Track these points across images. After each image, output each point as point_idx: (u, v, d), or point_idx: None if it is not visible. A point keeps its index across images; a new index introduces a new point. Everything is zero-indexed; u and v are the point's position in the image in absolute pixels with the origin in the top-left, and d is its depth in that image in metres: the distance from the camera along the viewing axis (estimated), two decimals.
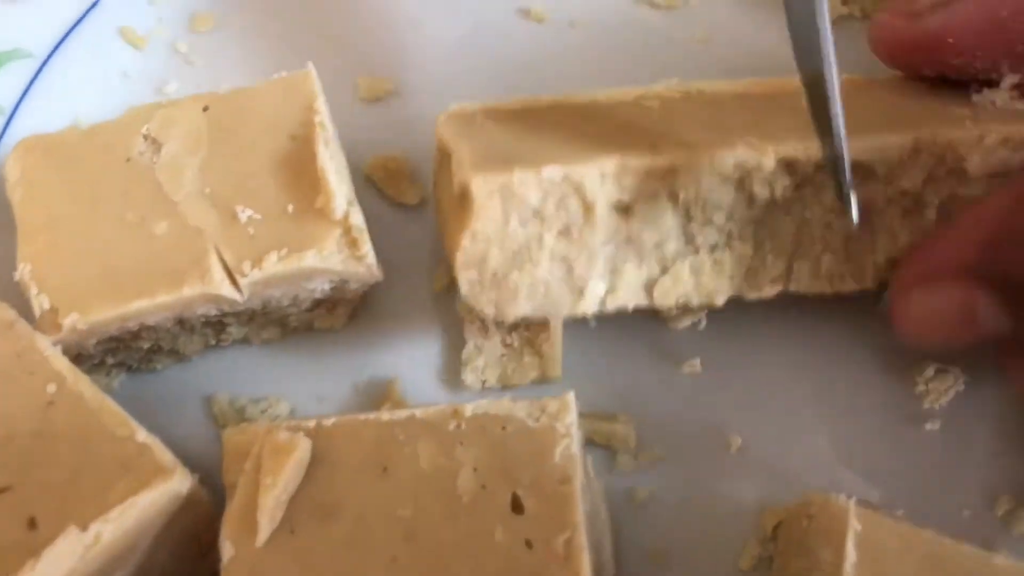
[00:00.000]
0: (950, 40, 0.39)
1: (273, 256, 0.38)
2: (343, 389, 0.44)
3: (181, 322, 0.40)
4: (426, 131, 0.42)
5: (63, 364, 0.37)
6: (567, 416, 0.37)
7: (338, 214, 0.39)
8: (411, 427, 0.37)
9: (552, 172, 0.36)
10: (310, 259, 0.38)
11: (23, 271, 0.39)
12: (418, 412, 0.37)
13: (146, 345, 0.41)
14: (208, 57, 0.50)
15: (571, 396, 0.37)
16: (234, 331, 0.43)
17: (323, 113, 0.41)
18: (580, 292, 0.39)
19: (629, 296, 0.40)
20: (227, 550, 0.35)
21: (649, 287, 0.40)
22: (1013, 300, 0.36)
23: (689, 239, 0.39)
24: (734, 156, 0.37)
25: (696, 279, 0.40)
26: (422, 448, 0.37)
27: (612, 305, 0.39)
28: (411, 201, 0.46)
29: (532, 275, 0.38)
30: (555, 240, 0.38)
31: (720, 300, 0.40)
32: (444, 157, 0.40)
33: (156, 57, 0.49)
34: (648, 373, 0.44)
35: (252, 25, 0.50)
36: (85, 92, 0.48)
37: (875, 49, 0.42)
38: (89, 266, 0.39)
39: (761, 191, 0.38)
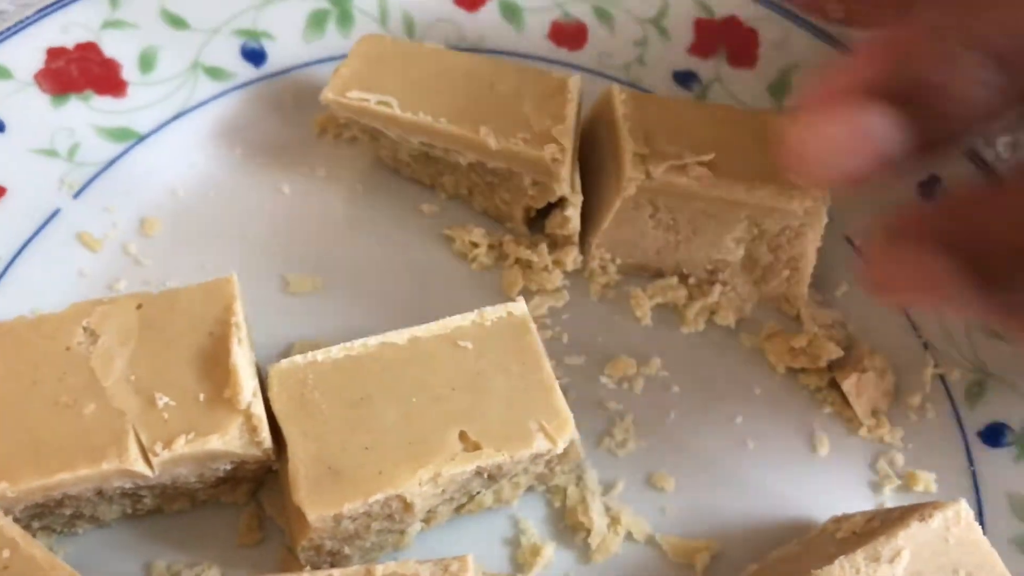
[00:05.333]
0: None
1: (182, 439, 0.44)
2: (256, 556, 0.49)
3: (100, 492, 0.45)
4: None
5: (15, 531, 0.42)
6: (466, 574, 0.42)
7: (243, 405, 0.45)
8: None
9: (378, 497, 0.44)
10: (214, 442, 0.44)
11: None
12: (335, 573, 0.42)
13: (68, 512, 0.46)
14: (156, 257, 0.57)
15: (470, 557, 0.42)
16: (148, 502, 0.48)
17: (239, 314, 0.47)
18: (401, 533, 0.48)
19: (442, 519, 0.49)
20: None
21: (458, 509, 0.49)
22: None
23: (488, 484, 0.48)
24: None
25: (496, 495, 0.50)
26: None
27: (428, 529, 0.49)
28: None
29: (361, 546, 0.47)
30: (380, 523, 0.46)
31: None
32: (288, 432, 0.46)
33: (109, 258, 0.56)
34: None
35: (195, 228, 0.58)
36: (44, 291, 0.54)
37: None
38: (22, 441, 0.44)
39: None
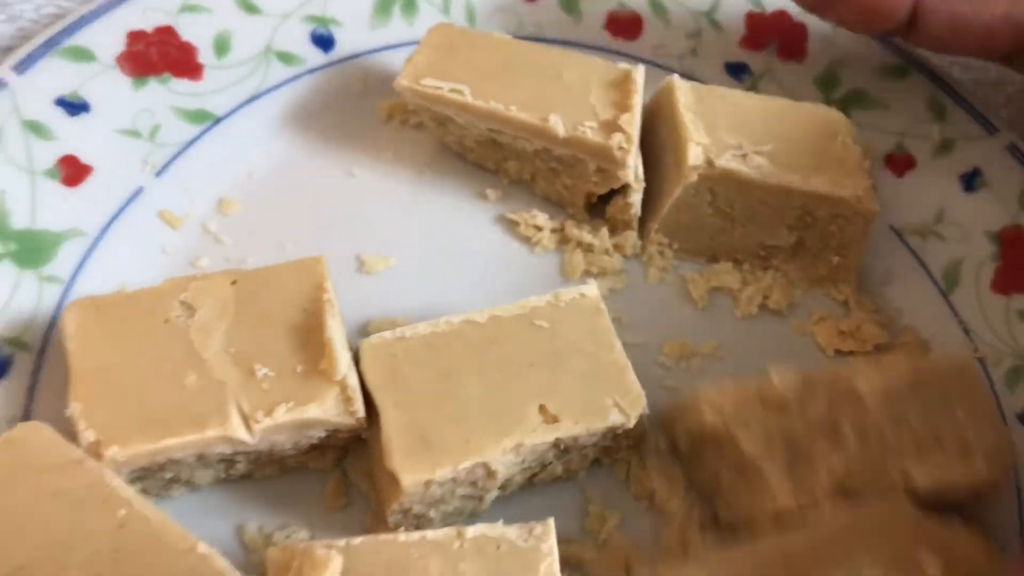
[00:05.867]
0: None
1: (282, 408, 0.47)
2: (343, 519, 0.51)
3: (201, 457, 0.48)
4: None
5: (129, 492, 0.45)
6: (549, 538, 0.45)
7: (339, 376, 0.48)
8: (423, 547, 0.44)
9: (466, 464, 0.47)
10: (312, 411, 0.47)
11: (74, 408, 0.47)
12: (428, 534, 0.44)
13: (168, 476, 0.49)
14: (234, 236, 0.59)
15: (551, 521, 0.46)
16: (241, 467, 0.50)
17: (331, 291, 0.50)
18: (480, 499, 0.50)
19: (516, 488, 0.51)
20: None
21: (531, 479, 0.52)
22: None
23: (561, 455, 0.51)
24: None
25: (566, 466, 0.52)
26: (432, 565, 0.44)
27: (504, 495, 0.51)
28: None
29: (444, 511, 0.49)
30: (465, 489, 0.48)
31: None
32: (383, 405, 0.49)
33: (190, 236, 0.59)
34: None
35: (271, 207, 0.60)
36: (130, 266, 0.56)
37: None
38: (129, 408, 0.47)
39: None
